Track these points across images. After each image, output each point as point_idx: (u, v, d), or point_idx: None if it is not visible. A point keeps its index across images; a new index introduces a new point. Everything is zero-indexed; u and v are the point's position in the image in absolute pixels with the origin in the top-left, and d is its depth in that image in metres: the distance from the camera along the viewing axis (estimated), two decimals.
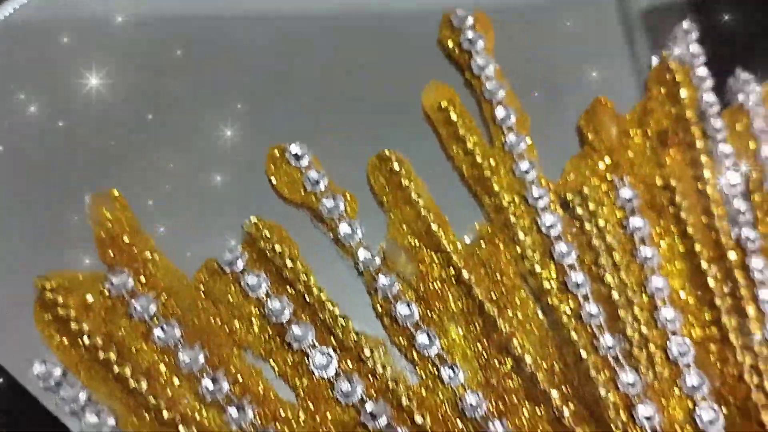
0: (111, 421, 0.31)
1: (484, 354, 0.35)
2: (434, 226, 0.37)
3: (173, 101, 0.39)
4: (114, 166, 0.37)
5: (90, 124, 0.38)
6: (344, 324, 0.35)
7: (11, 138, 0.37)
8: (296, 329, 0.34)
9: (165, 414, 0.32)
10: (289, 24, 0.42)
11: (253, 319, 0.35)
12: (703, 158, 0.40)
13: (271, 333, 0.34)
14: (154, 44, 0.40)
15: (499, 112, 0.41)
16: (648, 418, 0.34)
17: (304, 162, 0.38)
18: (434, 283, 0.36)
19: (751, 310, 0.37)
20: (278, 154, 0.38)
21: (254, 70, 0.41)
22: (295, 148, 0.38)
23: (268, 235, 0.36)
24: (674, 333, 0.36)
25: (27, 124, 0.38)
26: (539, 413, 0.34)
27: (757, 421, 0.34)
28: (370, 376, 0.34)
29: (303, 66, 0.41)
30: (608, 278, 0.37)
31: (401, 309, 0.35)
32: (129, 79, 0.39)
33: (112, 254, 0.35)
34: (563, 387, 0.35)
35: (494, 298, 0.36)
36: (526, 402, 0.34)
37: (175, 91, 0.39)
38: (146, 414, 0.32)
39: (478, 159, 0.39)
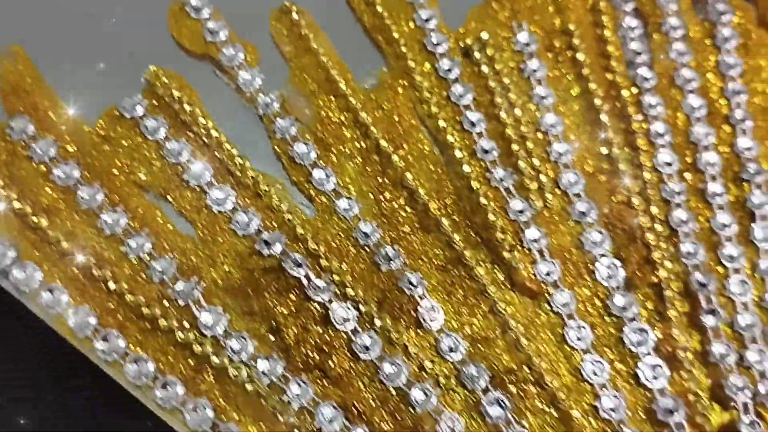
0: (12, 253, 0.32)
1: (379, 189, 0.36)
2: (334, 73, 0.38)
3: None
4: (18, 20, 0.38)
5: None
6: (242, 163, 0.36)
7: None
8: (194, 167, 0.35)
9: (64, 245, 0.33)
10: None
11: (152, 161, 0.36)
12: (602, 4, 0.41)
13: (169, 173, 0.35)
14: None
15: None
16: (535, 241, 0.35)
17: (205, 14, 0.39)
18: (332, 126, 0.37)
19: (642, 142, 0.38)
20: (178, 8, 0.39)
21: None
22: (195, 1, 0.39)
23: (167, 82, 0.37)
24: (566, 166, 0.37)
25: None
26: (431, 240, 0.35)
27: (642, 242, 0.36)
28: (267, 210, 0.35)
29: None
30: (503, 116, 0.38)
31: (299, 148, 0.36)
32: None
33: (13, 103, 0.36)
34: (454, 216, 0.36)
35: (391, 137, 0.37)
36: (419, 232, 0.35)
37: None
38: (47, 247, 0.33)
39: (379, 9, 0.40)
